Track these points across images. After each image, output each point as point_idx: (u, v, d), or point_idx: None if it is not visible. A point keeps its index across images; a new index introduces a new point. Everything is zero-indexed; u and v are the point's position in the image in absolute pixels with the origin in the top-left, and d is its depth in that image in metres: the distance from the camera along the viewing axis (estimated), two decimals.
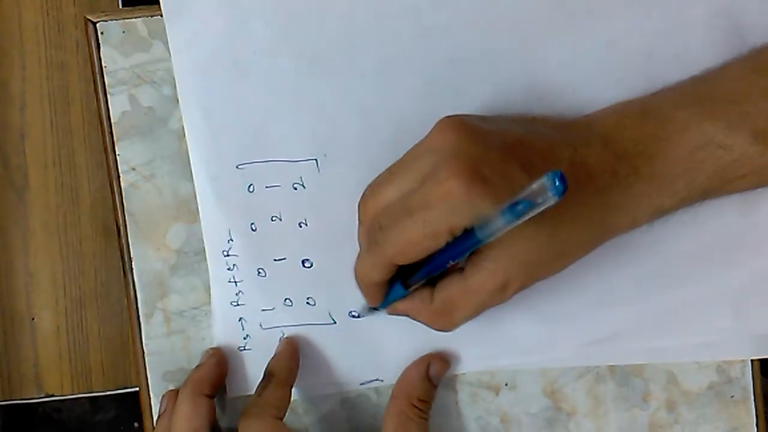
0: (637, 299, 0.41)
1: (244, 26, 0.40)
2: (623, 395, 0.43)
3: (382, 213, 0.34)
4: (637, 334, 0.41)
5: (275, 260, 0.42)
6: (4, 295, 0.53)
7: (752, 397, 0.42)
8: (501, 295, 0.35)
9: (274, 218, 0.41)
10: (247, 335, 0.42)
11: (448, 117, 0.34)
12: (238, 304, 0.42)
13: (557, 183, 0.26)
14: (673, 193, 0.36)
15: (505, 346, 0.42)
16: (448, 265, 0.34)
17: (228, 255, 0.42)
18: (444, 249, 0.33)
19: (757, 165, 0.35)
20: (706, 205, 0.40)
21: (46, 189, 0.52)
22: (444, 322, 0.37)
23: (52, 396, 0.53)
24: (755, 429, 0.42)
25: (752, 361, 0.42)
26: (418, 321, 0.38)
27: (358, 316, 0.42)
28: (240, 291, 0.42)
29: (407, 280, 0.36)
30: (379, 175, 0.36)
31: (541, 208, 0.28)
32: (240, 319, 0.42)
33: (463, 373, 0.42)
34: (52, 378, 0.53)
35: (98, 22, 0.41)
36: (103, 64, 0.42)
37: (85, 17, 0.42)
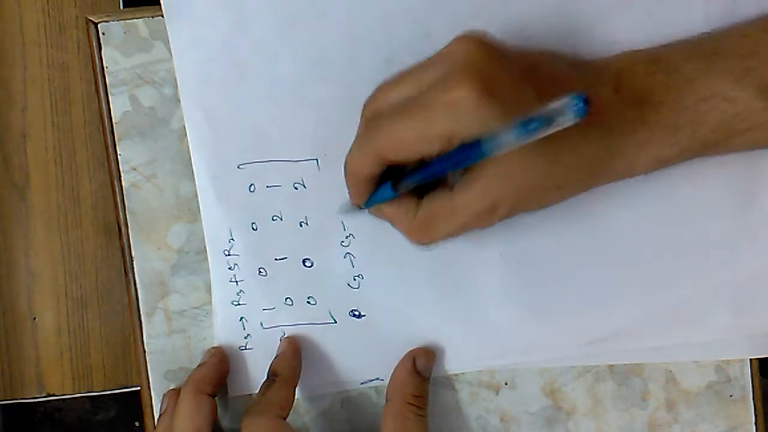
0: (636, 298, 0.41)
1: (245, 27, 0.40)
2: (622, 394, 0.43)
3: (384, 108, 0.34)
4: (636, 333, 0.41)
5: (276, 260, 0.42)
6: (5, 295, 0.53)
7: (751, 397, 0.42)
8: (486, 218, 0.35)
9: (274, 218, 0.41)
10: (248, 335, 0.42)
11: (470, 31, 0.34)
12: (239, 304, 0.42)
13: (581, 104, 0.26)
14: (675, 143, 0.36)
15: (504, 345, 0.42)
16: (446, 174, 0.33)
17: (229, 254, 0.42)
18: (443, 157, 0.32)
19: (760, 120, 0.35)
20: (705, 204, 0.40)
21: (48, 189, 0.52)
22: (422, 237, 0.36)
23: (53, 395, 0.53)
24: (754, 428, 0.42)
25: (751, 360, 0.42)
26: (398, 230, 0.37)
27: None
28: (241, 290, 0.42)
29: (398, 183, 0.35)
30: (391, 76, 0.35)
31: (555, 129, 0.27)
32: (241, 318, 0.42)
33: (463, 373, 0.43)
34: (54, 377, 0.53)
35: (99, 22, 0.42)
36: (105, 65, 0.42)
37: (86, 18, 0.42)
